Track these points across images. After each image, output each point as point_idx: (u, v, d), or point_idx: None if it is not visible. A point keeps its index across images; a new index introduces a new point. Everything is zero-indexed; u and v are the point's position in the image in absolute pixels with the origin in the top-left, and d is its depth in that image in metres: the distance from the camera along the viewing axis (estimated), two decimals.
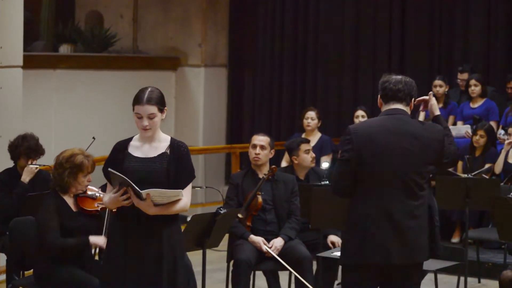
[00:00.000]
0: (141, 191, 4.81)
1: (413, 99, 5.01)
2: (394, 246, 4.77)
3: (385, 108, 4.97)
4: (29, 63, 9.30)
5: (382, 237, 4.77)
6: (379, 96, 5.02)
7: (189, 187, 5.03)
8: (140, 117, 4.96)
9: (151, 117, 4.95)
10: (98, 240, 5.95)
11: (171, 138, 5.08)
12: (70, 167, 6.00)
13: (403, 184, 4.81)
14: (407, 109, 4.97)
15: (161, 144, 5.03)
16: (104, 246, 5.58)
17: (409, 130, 4.86)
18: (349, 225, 4.92)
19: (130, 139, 5.08)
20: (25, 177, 7.14)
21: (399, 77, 4.99)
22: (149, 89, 5.02)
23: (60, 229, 5.92)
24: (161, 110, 5.00)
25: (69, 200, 6.05)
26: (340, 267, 7.49)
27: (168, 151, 5.00)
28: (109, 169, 4.92)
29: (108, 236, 5.16)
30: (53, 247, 5.86)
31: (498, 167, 9.12)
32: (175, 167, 4.97)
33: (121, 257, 4.95)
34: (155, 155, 4.99)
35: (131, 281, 4.93)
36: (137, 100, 4.97)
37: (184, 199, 4.97)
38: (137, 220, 4.93)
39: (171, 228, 5.00)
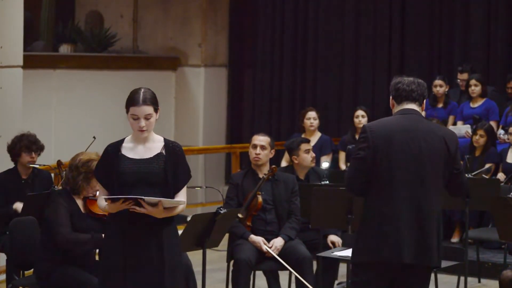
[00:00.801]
0: (145, 198, 4.81)
1: (424, 100, 5.00)
2: (407, 245, 4.74)
3: (398, 108, 4.96)
4: (29, 63, 9.31)
5: (396, 236, 4.74)
6: (391, 97, 5.01)
7: (185, 187, 5.04)
8: (136, 118, 4.94)
9: (147, 117, 4.94)
10: None
11: (165, 139, 5.07)
12: (85, 172, 5.98)
13: (420, 183, 4.79)
14: (419, 110, 4.97)
15: (155, 144, 5.02)
16: None
17: (424, 129, 4.86)
18: (364, 223, 4.89)
19: (122, 141, 5.05)
20: (18, 206, 7.10)
21: (411, 78, 5.01)
22: (143, 90, 5.01)
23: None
24: (156, 110, 4.99)
25: (79, 202, 6.05)
26: (340, 267, 7.56)
27: (163, 152, 4.99)
28: (104, 197, 4.92)
29: (105, 236, 5.15)
30: (67, 241, 5.83)
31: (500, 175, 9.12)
32: (172, 168, 4.96)
33: (120, 258, 4.94)
34: (151, 156, 4.98)
35: (131, 281, 4.92)
36: (132, 101, 4.95)
37: (182, 199, 4.99)
38: (134, 221, 4.92)
39: (169, 228, 4.99)
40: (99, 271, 5.17)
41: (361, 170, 4.83)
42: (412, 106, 4.93)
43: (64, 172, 6.26)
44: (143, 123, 4.93)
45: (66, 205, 5.94)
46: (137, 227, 4.92)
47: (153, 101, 4.97)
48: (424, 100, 5.01)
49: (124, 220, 4.93)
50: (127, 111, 4.97)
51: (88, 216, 6.02)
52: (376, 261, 4.79)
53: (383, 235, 4.76)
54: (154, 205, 4.85)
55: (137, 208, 4.85)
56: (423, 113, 10.47)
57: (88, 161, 6.00)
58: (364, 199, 4.90)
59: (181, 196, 4.98)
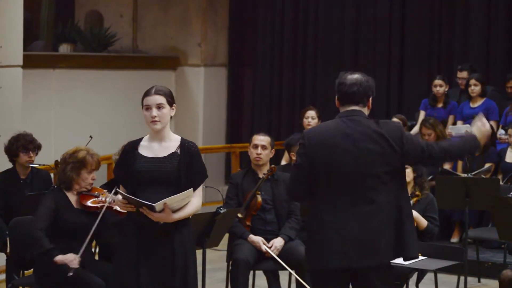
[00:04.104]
0: (154, 205, 4.81)
1: (370, 98, 4.89)
2: (353, 250, 4.67)
3: (342, 109, 4.87)
4: (29, 62, 9.30)
5: (340, 242, 4.67)
6: (336, 97, 4.91)
7: (201, 187, 5.03)
8: (148, 109, 4.96)
9: (159, 106, 4.94)
10: (62, 258, 5.79)
11: (181, 138, 5.05)
12: (73, 162, 6.02)
13: (358, 187, 4.70)
14: (364, 110, 4.87)
15: (171, 143, 5.01)
16: (70, 264, 5.68)
17: (363, 131, 4.75)
18: (308, 231, 4.86)
19: (140, 139, 5.07)
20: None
21: (354, 77, 4.86)
22: (158, 85, 5.08)
23: (58, 224, 5.92)
24: (170, 104, 4.99)
25: (72, 197, 6.05)
26: None
27: (178, 151, 4.98)
28: (118, 189, 4.96)
29: (120, 235, 5.16)
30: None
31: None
32: (186, 168, 4.94)
33: (133, 258, 4.95)
34: (165, 155, 4.97)
35: (143, 281, 4.92)
36: (146, 93, 5.00)
37: (196, 200, 4.97)
38: (147, 221, 4.92)
39: (183, 230, 4.98)
40: (114, 268, 5.16)
41: (300, 177, 4.78)
42: (355, 107, 4.84)
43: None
44: (154, 112, 4.93)
45: (54, 201, 5.95)
46: (150, 227, 4.92)
47: (166, 93, 4.99)
48: (370, 98, 4.88)
49: (138, 220, 4.94)
50: (142, 106, 5.00)
51: (82, 211, 6.03)
52: (325, 268, 4.73)
53: (327, 243, 4.70)
54: (155, 210, 4.84)
55: (146, 211, 4.87)
56: (422, 113, 10.51)
57: (75, 152, 6.06)
58: (309, 206, 4.84)
59: (196, 196, 4.97)
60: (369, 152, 4.71)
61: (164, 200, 4.81)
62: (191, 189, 4.88)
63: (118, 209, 5.42)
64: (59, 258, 5.79)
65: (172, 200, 4.83)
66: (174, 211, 4.89)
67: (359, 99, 4.83)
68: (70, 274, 5.71)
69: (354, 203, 4.70)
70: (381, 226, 4.72)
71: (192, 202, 4.95)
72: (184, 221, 4.99)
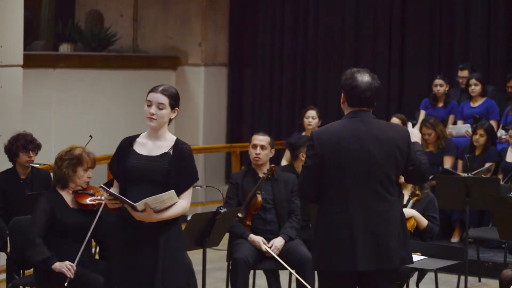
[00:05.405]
0: (135, 204, 4.81)
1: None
2: (360, 252, 4.66)
3: (349, 110, 4.85)
4: (29, 62, 9.30)
5: (349, 244, 4.67)
6: (343, 94, 4.86)
7: (190, 189, 5.00)
8: (149, 105, 4.96)
9: (160, 107, 4.94)
10: (60, 266, 5.78)
11: (177, 139, 5.04)
12: (69, 159, 6.01)
13: (369, 189, 4.70)
14: (371, 110, 4.85)
15: (166, 143, 5.01)
16: (66, 273, 5.69)
17: (373, 133, 4.75)
18: (316, 231, 4.86)
19: (137, 135, 5.08)
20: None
21: (365, 80, 4.80)
22: (167, 85, 5.09)
23: (55, 225, 5.91)
24: (172, 106, 4.99)
25: (68, 197, 6.04)
26: None
27: (170, 151, 4.98)
28: (101, 185, 4.98)
29: (110, 235, 5.15)
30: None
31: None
32: (176, 169, 4.94)
33: (120, 256, 4.96)
34: (158, 154, 4.98)
35: (128, 279, 4.92)
36: (152, 89, 5.01)
37: (183, 202, 4.94)
38: (133, 220, 4.91)
39: (169, 229, 4.96)
40: (100, 269, 5.13)
41: (310, 178, 4.77)
42: (364, 109, 4.82)
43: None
44: (153, 109, 4.94)
45: (49, 203, 5.94)
46: (135, 226, 4.92)
47: (172, 96, 4.99)
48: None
49: (126, 218, 4.93)
50: (146, 99, 5.01)
51: (79, 211, 6.02)
52: (330, 270, 4.73)
53: (336, 244, 4.70)
54: (137, 210, 4.84)
55: (129, 209, 4.87)
56: (423, 113, 10.49)
57: (71, 149, 6.07)
58: (318, 206, 4.84)
59: (185, 197, 4.95)
60: (379, 154, 4.72)
61: (144, 200, 4.81)
62: (173, 190, 4.84)
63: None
64: (57, 265, 5.79)
65: (153, 200, 4.81)
66: (158, 212, 4.86)
67: (370, 103, 4.83)
68: (66, 284, 5.71)
69: (364, 204, 4.70)
70: (392, 229, 4.73)
71: (178, 203, 4.92)
72: (172, 222, 4.96)
